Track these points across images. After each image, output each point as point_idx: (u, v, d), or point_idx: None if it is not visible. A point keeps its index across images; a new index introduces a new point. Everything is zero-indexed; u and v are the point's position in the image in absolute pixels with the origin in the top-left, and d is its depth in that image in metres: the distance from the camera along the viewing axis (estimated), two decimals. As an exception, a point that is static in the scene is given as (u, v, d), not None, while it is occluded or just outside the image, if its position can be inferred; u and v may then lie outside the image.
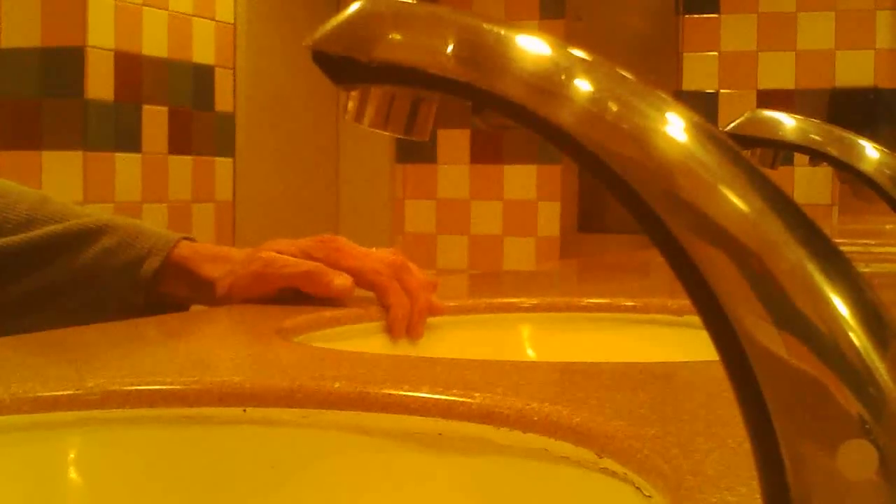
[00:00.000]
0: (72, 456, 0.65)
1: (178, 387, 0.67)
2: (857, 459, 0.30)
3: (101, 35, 3.04)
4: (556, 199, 4.06)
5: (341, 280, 1.01)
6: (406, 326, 1.01)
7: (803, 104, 3.77)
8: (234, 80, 3.57)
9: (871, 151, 0.84)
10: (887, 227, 2.39)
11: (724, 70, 3.94)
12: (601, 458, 0.57)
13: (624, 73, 0.34)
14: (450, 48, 0.34)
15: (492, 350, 1.06)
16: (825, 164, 0.86)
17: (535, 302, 1.13)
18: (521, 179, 4.11)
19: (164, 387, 0.67)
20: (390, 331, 1.00)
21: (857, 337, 0.30)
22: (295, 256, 1.04)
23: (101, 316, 0.98)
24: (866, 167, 0.84)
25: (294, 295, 1.04)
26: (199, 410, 0.66)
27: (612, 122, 0.33)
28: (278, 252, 1.04)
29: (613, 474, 0.56)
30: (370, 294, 1.03)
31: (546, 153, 3.98)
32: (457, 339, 1.06)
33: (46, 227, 1.05)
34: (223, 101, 3.52)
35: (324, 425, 0.66)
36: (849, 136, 0.85)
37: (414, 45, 0.35)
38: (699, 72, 3.95)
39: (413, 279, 1.02)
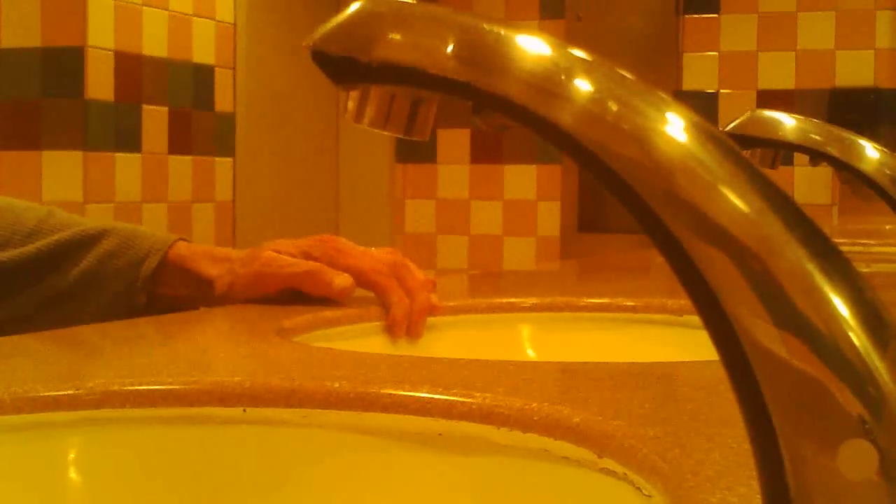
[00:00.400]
0: (72, 456, 0.65)
1: (178, 387, 0.67)
2: (857, 459, 0.30)
3: (101, 35, 3.04)
4: (556, 199, 4.06)
5: (341, 279, 1.01)
6: (406, 326, 1.01)
7: (803, 104, 3.77)
8: (234, 80, 3.57)
9: (871, 151, 0.84)
10: (887, 227, 2.39)
11: (724, 70, 3.94)
12: (601, 458, 0.57)
13: (624, 73, 0.34)
14: (449, 48, 0.34)
15: (492, 350, 1.06)
16: (825, 164, 0.86)
17: (535, 302, 1.13)
18: (521, 179, 4.11)
19: (164, 387, 0.67)
20: (390, 330, 1.00)
21: (857, 337, 0.30)
22: (295, 256, 1.04)
23: (106, 319, 0.99)
24: (866, 167, 0.84)
25: (294, 295, 1.04)
26: (199, 410, 0.66)
27: (612, 122, 0.33)
28: (278, 252, 1.05)
29: (613, 474, 0.56)
30: (370, 294, 1.03)
31: (546, 153, 3.98)
32: (457, 339, 1.06)
33: (51, 236, 1.07)
34: (223, 101, 3.52)
35: (324, 425, 0.66)
36: (849, 136, 0.86)
37: (414, 45, 0.35)
38: (699, 72, 3.95)
39: (412, 278, 1.02)
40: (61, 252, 1.07)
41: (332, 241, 1.05)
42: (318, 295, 1.02)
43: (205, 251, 1.08)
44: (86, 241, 1.07)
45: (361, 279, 1.02)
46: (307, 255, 1.04)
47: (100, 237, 1.07)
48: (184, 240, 1.10)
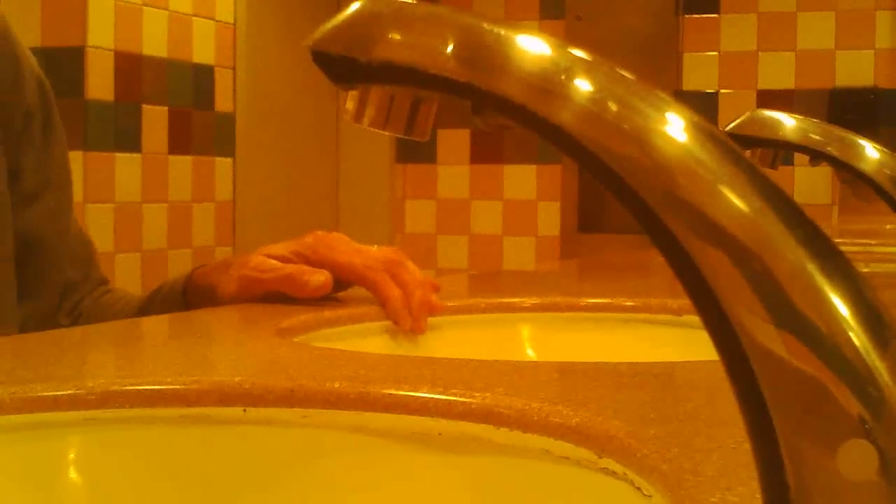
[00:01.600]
0: (72, 456, 0.65)
1: (178, 387, 0.67)
2: (857, 459, 0.30)
3: (101, 35, 3.04)
4: (556, 199, 4.06)
5: (316, 277, 1.02)
6: (409, 317, 1.00)
7: (803, 104, 3.77)
8: (234, 80, 3.57)
9: (871, 151, 0.84)
10: (887, 227, 2.39)
11: (724, 70, 3.94)
12: (601, 458, 0.57)
13: (624, 73, 0.34)
14: (449, 48, 0.34)
15: (492, 350, 1.06)
16: (825, 164, 0.86)
17: (535, 302, 1.13)
18: (521, 179, 4.11)
19: (164, 387, 0.67)
20: (396, 323, 1.00)
21: (857, 337, 0.30)
22: (286, 257, 1.05)
23: None
24: (866, 167, 0.84)
25: (283, 296, 1.04)
26: (199, 410, 0.66)
27: (612, 122, 0.33)
28: (269, 256, 1.06)
29: (613, 474, 0.56)
30: (370, 294, 1.03)
31: (546, 153, 3.97)
32: (457, 339, 1.06)
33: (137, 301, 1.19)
34: (223, 101, 3.52)
35: (324, 425, 0.66)
36: (849, 136, 0.85)
37: (414, 45, 0.35)
38: (699, 72, 3.95)
39: (407, 274, 1.02)
40: (145, 308, 1.16)
41: (326, 238, 1.06)
42: (298, 296, 1.03)
43: (214, 265, 1.13)
44: (151, 300, 1.16)
45: (352, 274, 1.02)
46: (299, 256, 1.05)
47: (162, 288, 1.16)
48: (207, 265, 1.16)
